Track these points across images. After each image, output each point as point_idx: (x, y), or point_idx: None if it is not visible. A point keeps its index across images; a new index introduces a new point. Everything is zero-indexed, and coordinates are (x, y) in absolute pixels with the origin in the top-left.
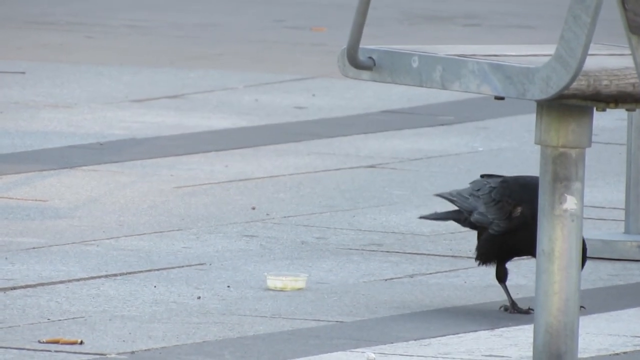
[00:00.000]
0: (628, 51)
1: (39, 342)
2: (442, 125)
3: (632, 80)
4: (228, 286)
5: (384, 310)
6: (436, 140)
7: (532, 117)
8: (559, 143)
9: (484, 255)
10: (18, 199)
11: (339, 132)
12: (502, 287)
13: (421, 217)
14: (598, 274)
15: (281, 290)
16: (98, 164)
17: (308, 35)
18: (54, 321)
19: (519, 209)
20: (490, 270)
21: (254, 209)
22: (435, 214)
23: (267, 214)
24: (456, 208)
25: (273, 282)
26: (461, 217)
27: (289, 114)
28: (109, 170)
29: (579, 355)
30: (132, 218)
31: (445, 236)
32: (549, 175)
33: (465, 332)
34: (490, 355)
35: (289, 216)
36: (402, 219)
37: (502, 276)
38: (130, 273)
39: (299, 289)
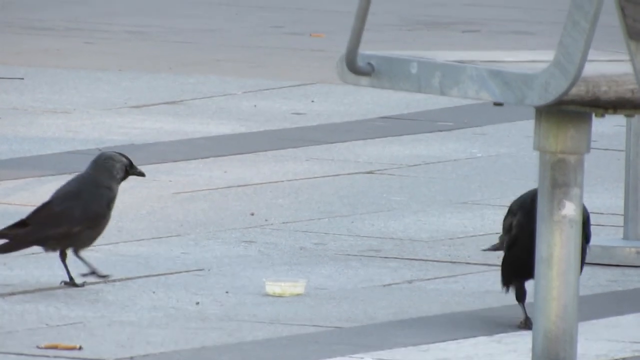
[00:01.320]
0: (627, 57)
1: (38, 347)
2: (441, 131)
3: (631, 87)
4: (227, 292)
5: (383, 316)
6: (435, 146)
7: (530, 123)
8: (558, 149)
9: (503, 277)
10: (17, 204)
11: (337, 138)
12: (520, 305)
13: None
14: (597, 280)
15: (280, 295)
16: None
17: (307, 41)
18: (52, 326)
19: (514, 221)
20: (489, 276)
21: (252, 214)
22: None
23: (266, 220)
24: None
25: (272, 287)
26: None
27: (288, 120)
28: None
29: None
30: (130, 224)
31: (443, 242)
32: (548, 181)
33: (464, 338)
34: None
35: (287, 222)
36: (400, 225)
37: (519, 295)
38: (129, 278)
39: (298, 295)
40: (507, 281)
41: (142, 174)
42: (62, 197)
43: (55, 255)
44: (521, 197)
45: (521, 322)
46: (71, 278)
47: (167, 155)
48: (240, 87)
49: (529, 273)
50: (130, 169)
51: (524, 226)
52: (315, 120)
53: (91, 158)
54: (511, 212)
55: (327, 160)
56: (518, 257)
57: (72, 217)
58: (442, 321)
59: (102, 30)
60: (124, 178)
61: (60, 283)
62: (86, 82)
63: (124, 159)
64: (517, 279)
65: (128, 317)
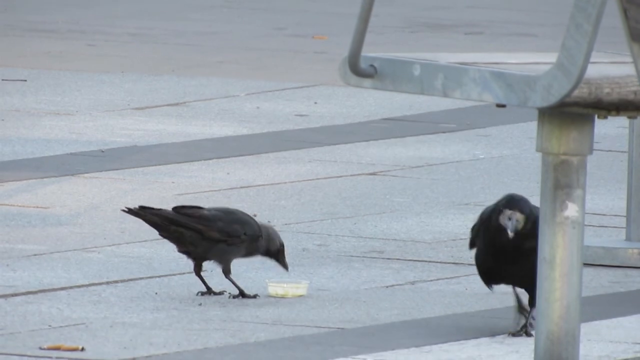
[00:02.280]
0: (629, 59)
1: (40, 348)
2: (444, 132)
3: (634, 88)
4: (229, 293)
5: (385, 317)
6: (437, 147)
7: (533, 125)
8: (560, 150)
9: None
10: (19, 205)
11: (340, 140)
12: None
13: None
14: (599, 281)
15: (282, 297)
16: (99, 171)
17: (310, 43)
18: (55, 328)
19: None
20: None
21: (255, 216)
22: None
23: (269, 221)
24: None
25: (274, 288)
26: None
27: (291, 122)
28: (110, 178)
29: None
30: (133, 225)
31: (446, 243)
32: (550, 182)
33: (466, 339)
34: None
35: (290, 223)
36: (403, 226)
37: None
38: (131, 280)
39: (300, 296)
40: (487, 283)
41: (285, 267)
42: (217, 208)
43: (59, 256)
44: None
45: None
46: (208, 288)
47: (169, 157)
48: (243, 89)
49: (500, 278)
50: (278, 254)
51: (479, 232)
52: (317, 122)
53: (94, 160)
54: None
55: (330, 162)
56: (480, 265)
57: (213, 223)
58: (444, 322)
59: (105, 33)
60: (269, 253)
61: (197, 294)
62: (89, 84)
63: (281, 241)
64: (494, 284)
65: (130, 318)
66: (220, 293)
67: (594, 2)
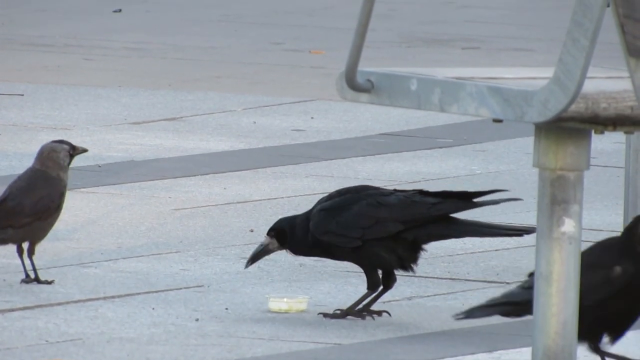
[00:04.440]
0: (626, 74)
1: None
2: (441, 147)
3: (631, 103)
4: (226, 308)
5: (382, 333)
6: (434, 162)
7: (530, 140)
8: (557, 166)
9: (591, 335)
10: None
11: (337, 155)
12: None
13: (458, 318)
14: None
15: (286, 312)
16: (96, 186)
17: (307, 58)
18: (52, 343)
19: (615, 271)
20: (488, 293)
21: (252, 231)
22: (476, 312)
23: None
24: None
25: (277, 304)
26: (513, 309)
27: (288, 137)
28: (107, 193)
29: None
30: (130, 240)
31: (443, 259)
32: (547, 198)
33: (463, 355)
34: None
35: None
36: None
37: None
38: (128, 295)
39: (302, 311)
40: (597, 337)
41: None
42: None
43: (56, 271)
44: (604, 246)
45: None
46: (27, 274)
47: (166, 172)
48: (240, 103)
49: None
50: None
51: (634, 275)
52: (314, 137)
53: (91, 175)
54: (601, 263)
55: (327, 177)
56: (619, 310)
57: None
58: (441, 338)
59: (102, 47)
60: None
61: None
62: (86, 98)
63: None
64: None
65: (127, 333)
66: (47, 282)
67: (591, 17)
